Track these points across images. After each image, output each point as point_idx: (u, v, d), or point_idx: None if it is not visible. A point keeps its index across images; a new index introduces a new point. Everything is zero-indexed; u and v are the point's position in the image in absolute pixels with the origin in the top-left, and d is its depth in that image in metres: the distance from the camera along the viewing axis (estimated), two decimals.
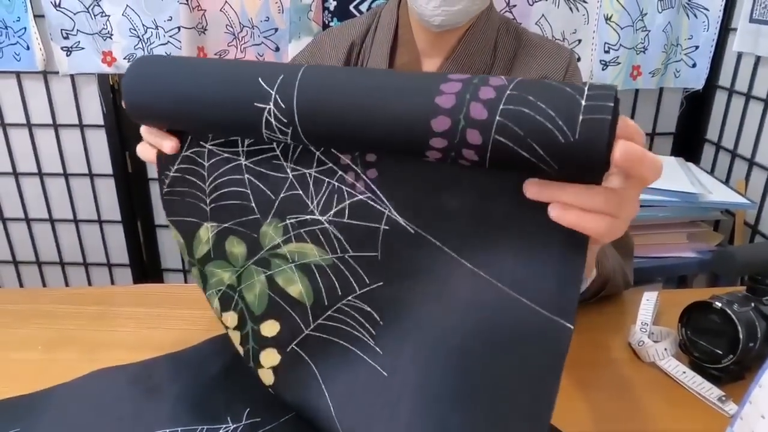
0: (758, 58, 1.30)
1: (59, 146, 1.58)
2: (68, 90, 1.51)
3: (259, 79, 0.44)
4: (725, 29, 1.39)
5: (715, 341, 0.59)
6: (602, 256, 0.67)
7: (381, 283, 0.48)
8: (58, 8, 1.36)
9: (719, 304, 0.58)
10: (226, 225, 0.54)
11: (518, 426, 0.40)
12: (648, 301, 0.71)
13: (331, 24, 1.39)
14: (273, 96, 0.43)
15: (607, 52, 1.37)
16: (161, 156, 0.55)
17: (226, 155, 0.52)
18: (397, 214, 0.46)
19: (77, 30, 1.39)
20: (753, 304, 0.59)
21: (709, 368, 0.60)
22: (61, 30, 1.39)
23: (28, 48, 1.41)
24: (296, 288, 0.52)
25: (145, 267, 1.73)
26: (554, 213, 0.38)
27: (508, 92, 0.37)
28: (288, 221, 0.51)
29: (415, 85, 0.40)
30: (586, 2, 1.35)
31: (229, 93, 0.46)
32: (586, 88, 0.35)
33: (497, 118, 0.36)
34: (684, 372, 0.61)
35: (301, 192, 0.50)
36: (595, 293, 0.71)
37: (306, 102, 0.42)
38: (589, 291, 0.68)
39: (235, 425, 0.53)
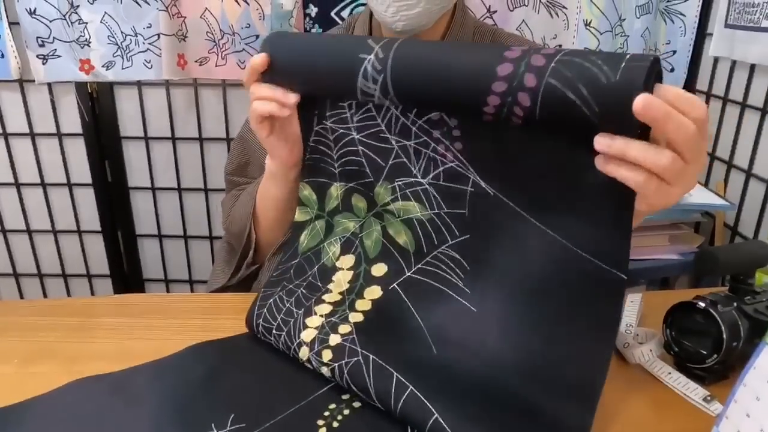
0: (734, 63, 1.33)
1: (36, 156, 1.55)
2: (45, 98, 1.48)
3: (368, 40, 0.57)
4: (702, 34, 1.42)
5: (700, 341, 0.60)
6: None
7: (468, 236, 0.59)
8: (33, 15, 1.34)
9: (703, 305, 0.59)
10: (351, 185, 0.66)
11: (589, 352, 0.50)
12: (632, 303, 0.72)
13: (313, 30, 1.38)
14: (375, 49, 0.55)
15: None
16: (303, 128, 0.67)
17: (341, 131, 0.65)
18: (479, 178, 0.57)
19: (53, 38, 1.37)
20: (735, 304, 0.59)
21: (694, 368, 0.60)
22: (37, 38, 1.36)
23: (2, 56, 1.39)
24: (402, 237, 0.63)
25: (126, 277, 1.70)
26: (599, 162, 0.46)
27: (564, 51, 0.46)
28: (396, 183, 0.62)
29: (486, 47, 0.52)
30: (565, 8, 1.36)
31: (341, 45, 0.60)
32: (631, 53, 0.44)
33: (552, 64, 0.45)
34: (669, 373, 0.61)
35: (405, 160, 0.61)
36: None
37: (399, 56, 0.54)
38: None
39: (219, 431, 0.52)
